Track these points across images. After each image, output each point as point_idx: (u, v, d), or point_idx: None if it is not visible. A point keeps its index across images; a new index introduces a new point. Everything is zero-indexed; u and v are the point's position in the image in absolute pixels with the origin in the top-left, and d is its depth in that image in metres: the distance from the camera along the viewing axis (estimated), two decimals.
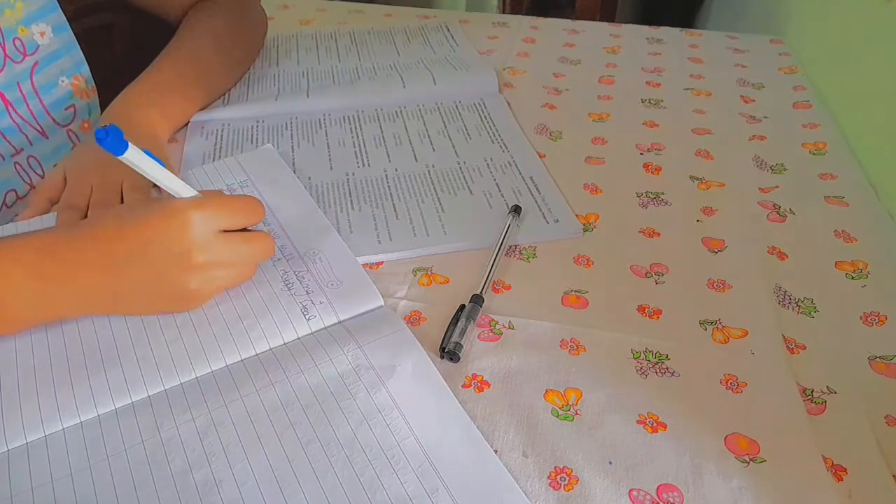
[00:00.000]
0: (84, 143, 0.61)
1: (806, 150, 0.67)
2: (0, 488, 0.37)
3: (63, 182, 0.56)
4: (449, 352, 0.44)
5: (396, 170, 0.63)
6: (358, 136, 0.68)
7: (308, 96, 0.74)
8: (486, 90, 0.76)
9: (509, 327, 0.47)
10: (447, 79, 0.76)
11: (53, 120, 0.62)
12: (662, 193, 0.60)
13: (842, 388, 0.43)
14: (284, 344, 0.45)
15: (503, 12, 1.80)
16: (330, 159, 0.65)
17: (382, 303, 0.48)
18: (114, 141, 0.39)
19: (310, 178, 0.62)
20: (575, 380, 0.44)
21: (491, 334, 0.47)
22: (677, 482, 0.38)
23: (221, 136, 0.68)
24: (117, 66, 0.71)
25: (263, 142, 0.67)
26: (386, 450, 0.39)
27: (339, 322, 0.47)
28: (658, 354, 0.45)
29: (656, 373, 0.44)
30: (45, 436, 0.40)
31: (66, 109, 0.63)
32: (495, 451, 0.39)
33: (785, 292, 0.50)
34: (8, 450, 0.39)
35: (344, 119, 0.71)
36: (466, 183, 0.61)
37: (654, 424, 0.41)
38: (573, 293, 0.50)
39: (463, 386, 0.43)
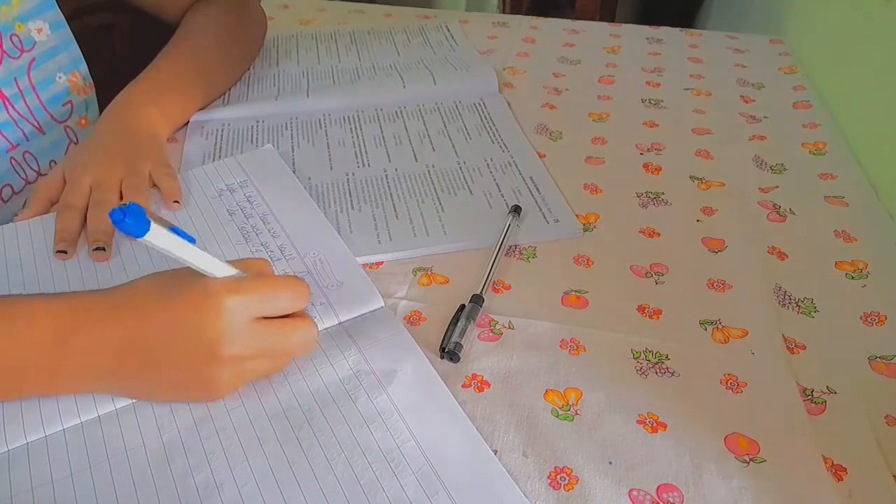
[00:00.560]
0: (82, 142, 0.61)
1: (806, 150, 0.67)
2: (0, 488, 0.37)
3: (62, 182, 0.56)
4: (449, 352, 0.44)
5: (396, 170, 0.63)
6: (358, 136, 0.68)
7: (308, 96, 0.74)
8: (486, 90, 0.76)
9: (509, 327, 0.47)
10: (447, 79, 0.76)
11: (51, 116, 0.62)
12: (662, 193, 0.60)
13: (842, 388, 0.43)
14: None
15: (503, 12, 1.80)
16: (330, 159, 0.65)
17: (383, 304, 0.48)
18: (134, 221, 0.33)
19: (310, 178, 0.62)
20: (575, 380, 0.44)
21: (491, 334, 0.47)
22: (677, 482, 0.38)
23: (221, 136, 0.68)
24: (117, 65, 0.71)
25: (263, 142, 0.67)
26: (386, 453, 0.39)
27: (339, 323, 0.47)
28: (658, 354, 0.45)
29: (656, 373, 0.44)
30: (46, 436, 0.40)
31: (63, 106, 0.64)
32: (495, 452, 0.39)
33: (785, 292, 0.50)
34: (8, 450, 0.39)
35: (344, 119, 0.71)
36: (466, 183, 0.61)
37: (654, 424, 0.41)
38: (573, 293, 0.50)
39: (463, 386, 0.43)
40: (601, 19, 1.58)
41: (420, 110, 0.73)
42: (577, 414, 0.42)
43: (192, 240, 0.37)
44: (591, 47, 0.87)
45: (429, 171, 0.63)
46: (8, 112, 0.58)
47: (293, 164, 0.64)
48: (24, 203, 0.57)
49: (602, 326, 0.47)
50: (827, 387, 0.43)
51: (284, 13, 0.99)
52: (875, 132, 0.65)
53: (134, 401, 0.42)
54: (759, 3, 1.11)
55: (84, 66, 0.65)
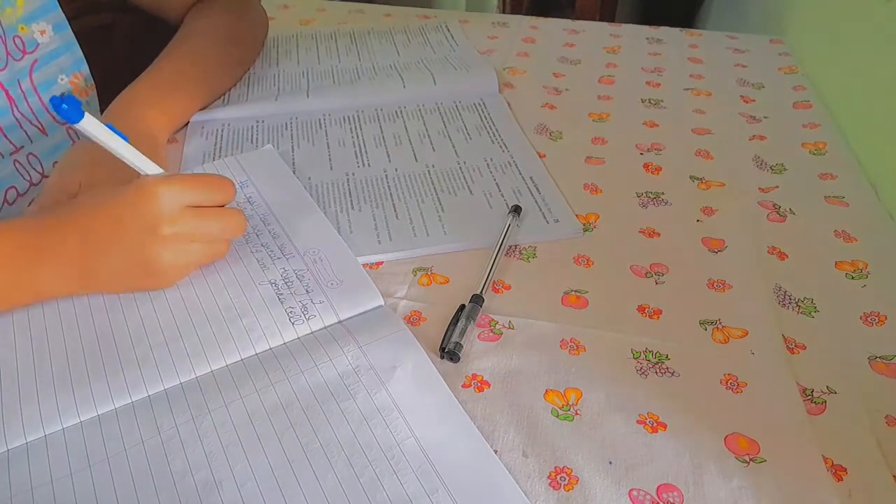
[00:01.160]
0: (76, 143, 0.60)
1: (806, 150, 0.67)
2: (0, 488, 0.37)
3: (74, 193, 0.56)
4: (449, 352, 0.44)
5: (396, 170, 0.63)
6: (358, 136, 0.68)
7: (308, 96, 0.74)
8: (486, 90, 0.76)
9: (509, 327, 0.47)
10: (447, 79, 0.76)
11: (53, 117, 0.62)
12: (662, 193, 0.60)
13: (842, 388, 0.43)
14: (284, 344, 0.45)
15: (503, 12, 1.80)
16: (330, 159, 0.65)
17: (382, 302, 0.48)
18: (70, 110, 0.39)
19: (310, 178, 0.62)
20: (575, 380, 0.44)
21: (491, 334, 0.47)
22: (677, 482, 0.38)
23: (221, 136, 0.68)
24: (117, 65, 0.71)
25: (263, 142, 0.67)
26: (386, 450, 0.39)
27: (339, 321, 0.47)
28: (658, 354, 0.45)
29: (656, 373, 0.44)
30: (45, 436, 0.40)
31: None
32: (495, 451, 0.39)
33: (785, 292, 0.50)
34: (8, 449, 0.39)
35: (344, 119, 0.71)
36: (466, 183, 0.61)
37: (654, 424, 0.41)
38: (573, 293, 0.50)
39: (463, 386, 0.43)
40: (601, 19, 1.58)
41: (420, 110, 0.73)
42: (577, 414, 0.42)
43: (124, 138, 0.44)
44: (591, 47, 0.87)
45: (429, 171, 0.63)
46: (13, 114, 0.58)
47: (293, 164, 0.64)
48: (30, 204, 0.57)
49: (602, 326, 0.47)
50: (827, 387, 0.43)
51: (284, 13, 0.99)
52: (875, 132, 0.65)
53: (133, 400, 0.42)
54: (759, 3, 1.11)
55: (86, 68, 0.65)
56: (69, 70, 0.63)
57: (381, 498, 0.36)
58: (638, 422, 0.41)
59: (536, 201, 0.59)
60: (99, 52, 0.67)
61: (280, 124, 0.70)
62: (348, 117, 0.71)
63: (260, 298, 0.48)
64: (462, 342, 0.45)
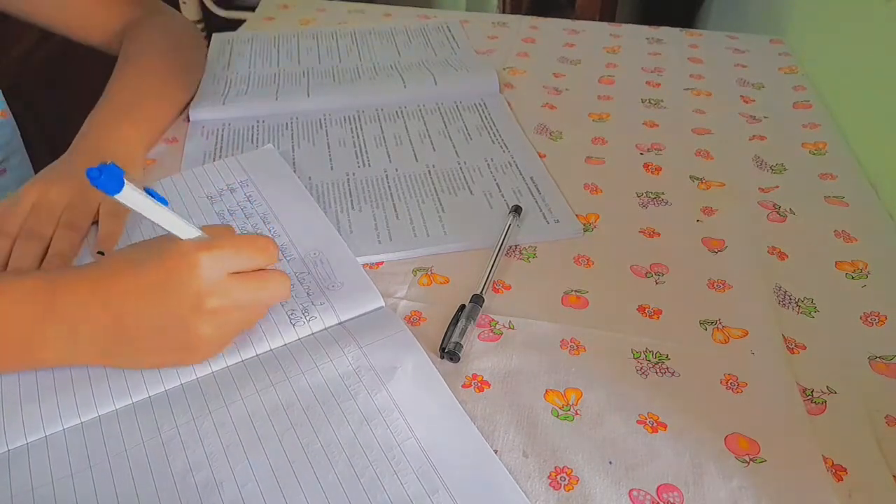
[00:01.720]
0: (55, 164, 0.57)
1: (806, 150, 0.67)
2: (0, 488, 0.37)
3: (26, 211, 0.52)
4: (449, 352, 0.44)
5: (397, 170, 0.63)
6: (358, 136, 0.68)
7: (309, 96, 0.74)
8: (486, 90, 0.76)
9: (509, 327, 0.47)
10: (448, 79, 0.76)
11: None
12: (662, 193, 0.60)
13: (842, 388, 0.43)
14: (285, 345, 0.45)
15: (503, 12, 1.80)
16: (330, 159, 0.65)
17: (383, 304, 0.48)
18: (109, 179, 0.35)
19: (310, 178, 0.62)
20: (575, 380, 0.44)
21: (491, 334, 0.47)
22: (677, 482, 0.38)
23: (221, 136, 0.68)
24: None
25: (264, 142, 0.67)
26: (386, 451, 0.39)
27: (340, 323, 0.47)
28: (658, 354, 0.45)
29: (656, 373, 0.44)
30: (46, 436, 0.40)
31: None
32: (495, 451, 0.39)
33: (785, 292, 0.50)
34: (8, 450, 0.39)
35: (344, 119, 0.71)
36: (467, 183, 0.61)
37: (654, 424, 0.41)
38: (573, 293, 0.50)
39: (463, 386, 0.43)
40: (601, 19, 1.58)
41: (420, 110, 0.73)
42: (577, 414, 0.42)
43: (164, 201, 0.39)
44: (591, 47, 0.87)
45: (429, 171, 0.63)
46: None
47: (293, 163, 0.64)
48: None
49: (602, 326, 0.47)
50: (827, 387, 0.43)
51: (284, 13, 0.99)
52: (875, 132, 0.65)
53: (133, 400, 0.42)
54: (759, 3, 1.11)
55: None
56: None
57: (381, 498, 0.36)
58: (638, 422, 0.41)
59: (536, 201, 0.59)
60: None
61: (280, 124, 0.70)
62: (349, 117, 0.71)
63: None
64: (462, 342, 0.45)
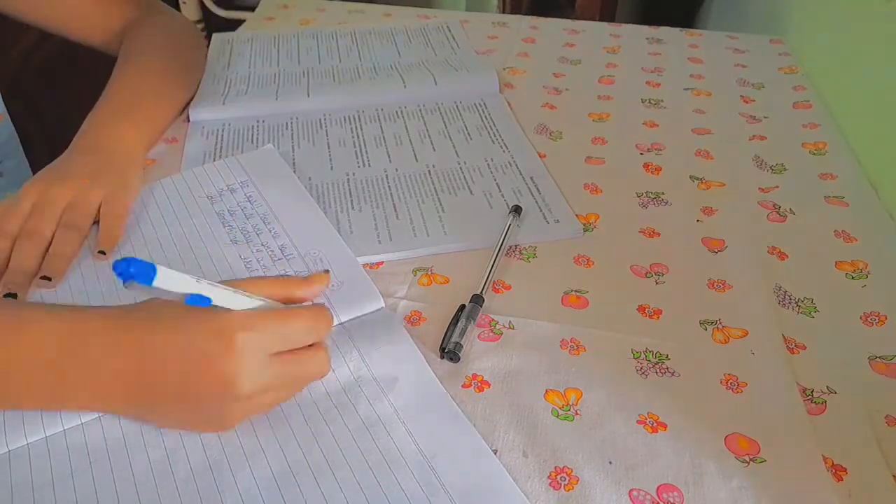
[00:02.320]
0: (54, 163, 0.57)
1: (806, 150, 0.67)
2: (0, 489, 0.37)
3: (26, 211, 0.52)
4: (449, 352, 0.44)
5: (397, 170, 0.63)
6: (358, 136, 0.68)
7: (309, 96, 0.74)
8: (486, 90, 0.76)
9: (509, 327, 0.47)
10: (448, 79, 0.76)
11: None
12: (662, 193, 0.60)
13: (842, 388, 0.43)
14: None
15: (503, 12, 1.80)
16: (330, 159, 0.65)
17: (383, 304, 0.48)
18: (140, 273, 0.33)
19: (310, 178, 0.62)
20: (575, 380, 0.44)
21: (491, 334, 0.47)
22: (677, 482, 0.38)
23: (221, 136, 0.68)
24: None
25: (264, 142, 0.67)
26: (386, 455, 0.39)
27: (340, 324, 0.47)
28: (658, 354, 0.45)
29: (656, 373, 0.44)
30: (46, 437, 0.40)
31: None
32: (495, 452, 0.39)
33: (785, 292, 0.50)
34: (9, 450, 0.39)
35: (344, 119, 0.71)
36: (467, 183, 0.61)
37: (654, 424, 0.41)
38: (573, 293, 0.50)
39: (463, 386, 0.43)
40: (601, 19, 1.58)
41: (420, 110, 0.73)
42: (577, 414, 0.42)
43: (208, 302, 0.36)
44: (591, 47, 0.87)
45: (429, 171, 0.63)
46: None
47: (293, 163, 0.64)
48: None
49: (602, 326, 0.47)
50: (827, 387, 0.43)
51: (284, 13, 0.99)
52: (875, 132, 0.65)
53: None
54: (759, 3, 1.11)
55: None
56: None
57: (382, 501, 0.36)
58: (638, 422, 0.41)
59: (536, 201, 0.59)
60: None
61: (280, 124, 0.70)
62: (349, 117, 0.71)
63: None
64: (462, 342, 0.45)
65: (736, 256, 0.53)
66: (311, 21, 0.96)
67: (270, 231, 0.54)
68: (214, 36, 0.88)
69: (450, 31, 0.90)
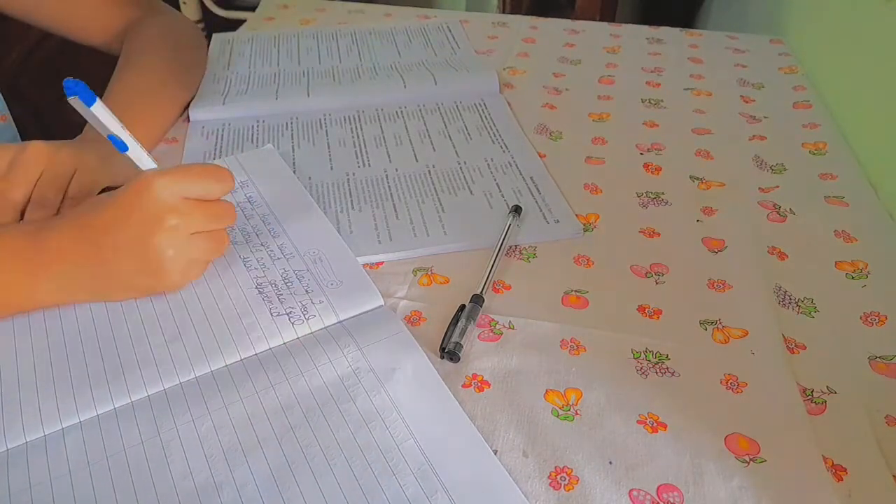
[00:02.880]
0: (38, 141, 0.55)
1: (806, 150, 0.67)
2: None
3: (34, 178, 0.52)
4: (449, 352, 0.44)
5: (397, 170, 0.63)
6: (358, 136, 0.68)
7: (309, 96, 0.74)
8: (486, 90, 0.76)
9: (509, 327, 0.47)
10: (448, 79, 0.76)
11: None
12: (662, 193, 0.60)
13: (842, 388, 0.43)
14: (284, 344, 0.45)
15: (503, 12, 1.80)
16: (330, 159, 0.65)
17: (382, 303, 0.48)
18: (84, 91, 0.42)
19: (310, 178, 0.62)
20: (575, 380, 0.44)
21: (491, 334, 0.47)
22: (677, 482, 0.38)
23: (221, 136, 0.68)
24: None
25: (263, 142, 0.67)
26: (385, 452, 0.39)
27: (339, 322, 0.47)
28: (658, 354, 0.45)
29: (656, 373, 0.44)
30: (45, 435, 0.40)
31: None
32: (495, 452, 0.39)
33: (785, 292, 0.50)
34: (7, 449, 0.39)
35: (344, 119, 0.71)
36: (467, 183, 0.61)
37: (655, 424, 0.41)
38: (573, 293, 0.50)
39: (463, 386, 0.43)
40: (601, 19, 1.58)
41: (421, 110, 0.73)
42: (577, 414, 0.42)
43: (124, 147, 0.46)
44: (591, 47, 0.87)
45: (429, 171, 0.63)
46: None
47: (293, 163, 0.64)
48: None
49: (602, 326, 0.47)
50: (827, 387, 0.43)
51: (284, 13, 0.99)
52: (875, 132, 0.65)
53: (132, 399, 0.42)
54: (759, 3, 1.11)
55: None
56: None
57: (380, 500, 0.36)
58: (638, 422, 0.41)
59: (536, 201, 0.59)
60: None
61: (280, 124, 0.70)
62: (349, 117, 0.71)
63: (260, 299, 0.48)
64: (462, 342, 0.45)
65: (736, 256, 0.53)
66: (311, 21, 0.96)
67: (270, 231, 0.54)
68: (214, 36, 0.88)
69: (450, 31, 0.90)
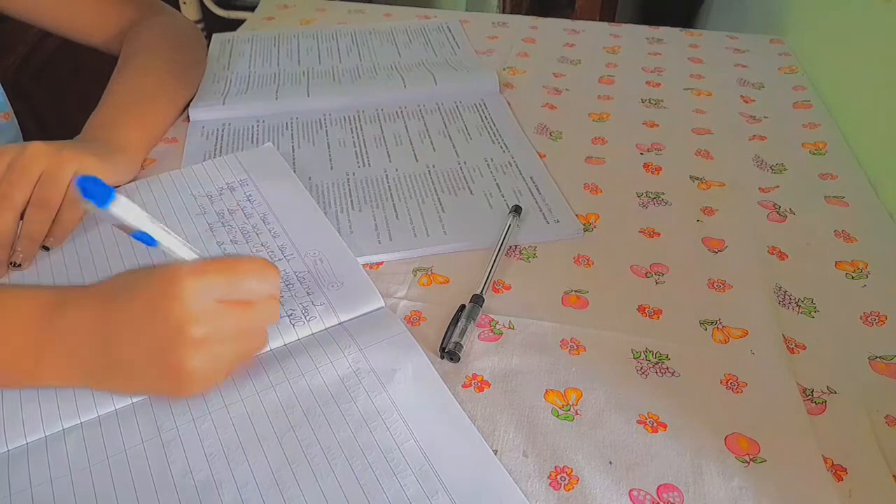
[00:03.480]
0: (39, 142, 0.54)
1: (806, 150, 0.67)
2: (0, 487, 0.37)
3: (34, 178, 0.52)
4: (449, 352, 0.44)
5: (397, 170, 0.63)
6: (358, 136, 0.68)
7: (309, 96, 0.74)
8: (486, 90, 0.76)
9: (509, 327, 0.47)
10: (448, 79, 0.76)
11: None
12: (662, 193, 0.60)
13: (842, 388, 0.43)
14: (285, 345, 0.45)
15: (503, 12, 1.80)
16: (330, 159, 0.65)
17: (383, 304, 0.48)
18: (97, 191, 0.35)
19: (310, 178, 0.62)
20: (575, 380, 0.44)
21: (491, 334, 0.47)
22: (677, 482, 0.38)
23: (221, 135, 0.68)
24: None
25: (263, 142, 0.67)
26: (386, 452, 0.39)
27: (340, 323, 0.47)
28: (658, 354, 0.45)
29: (656, 373, 0.44)
30: (46, 436, 0.40)
31: None
32: (495, 452, 0.39)
33: (785, 292, 0.50)
34: (8, 450, 0.39)
35: (344, 119, 0.71)
36: (467, 183, 0.61)
37: (655, 424, 0.41)
38: (573, 293, 0.50)
39: (463, 386, 0.43)
40: (601, 19, 1.58)
41: (420, 110, 0.73)
42: (577, 414, 0.42)
43: (152, 241, 0.39)
44: (591, 47, 0.87)
45: (429, 171, 0.63)
46: None
47: (293, 163, 0.64)
48: None
49: (602, 326, 0.47)
50: (827, 387, 0.43)
51: (284, 13, 0.99)
52: (875, 132, 0.65)
53: (133, 401, 0.42)
54: (759, 3, 1.11)
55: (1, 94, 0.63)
56: None
57: (380, 500, 0.36)
58: (638, 422, 0.41)
59: (536, 201, 0.59)
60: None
61: (280, 124, 0.70)
62: (349, 117, 0.71)
63: None
64: (462, 342, 0.45)
65: (736, 256, 0.53)
66: (311, 21, 0.96)
67: (270, 231, 0.54)
68: (214, 36, 0.88)
69: (450, 31, 0.90)
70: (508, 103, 0.74)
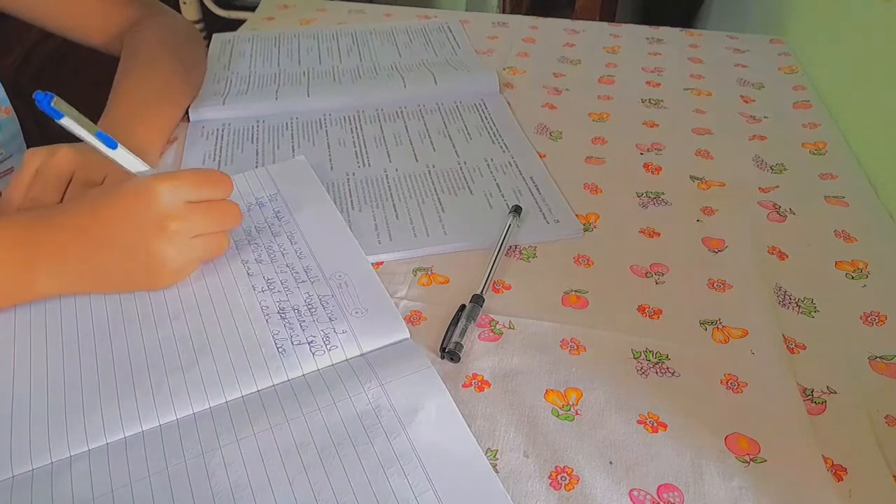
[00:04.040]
0: (67, 144, 0.55)
1: (806, 150, 0.67)
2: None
3: (27, 180, 0.53)
4: (449, 352, 0.44)
5: (397, 170, 0.63)
6: (358, 136, 0.68)
7: (309, 96, 0.74)
8: (486, 90, 0.76)
9: (510, 327, 0.47)
10: (448, 79, 0.76)
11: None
12: (662, 193, 0.60)
13: (842, 388, 0.43)
14: (303, 376, 0.43)
15: (503, 12, 1.80)
16: (330, 159, 0.65)
17: (408, 335, 0.46)
18: (49, 105, 0.42)
19: None
20: (575, 380, 0.44)
21: (491, 334, 0.47)
22: (677, 482, 0.38)
23: (221, 135, 0.68)
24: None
25: (263, 142, 0.67)
26: (402, 503, 0.36)
27: (362, 354, 0.45)
28: (658, 354, 0.45)
29: (656, 373, 0.44)
30: (52, 462, 0.39)
31: None
32: (495, 452, 0.39)
33: (785, 292, 0.50)
34: (13, 476, 0.38)
35: (344, 119, 0.71)
36: (467, 183, 0.61)
37: (655, 424, 0.41)
38: (573, 293, 0.50)
39: (463, 386, 0.43)
40: (601, 19, 1.58)
41: (420, 110, 0.73)
42: (577, 414, 0.42)
43: (114, 145, 0.46)
44: (591, 47, 0.87)
45: (429, 171, 0.63)
46: None
47: None
48: None
49: (602, 326, 0.47)
50: (827, 387, 0.43)
51: (284, 13, 0.99)
52: (875, 132, 0.65)
53: (144, 429, 0.40)
54: (759, 3, 1.11)
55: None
56: None
57: None
58: (638, 422, 0.41)
59: (537, 201, 0.59)
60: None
61: (280, 124, 0.70)
62: (349, 117, 0.71)
63: (282, 325, 0.46)
64: (462, 342, 0.45)
65: (736, 256, 0.53)
66: (311, 21, 0.96)
67: (297, 252, 0.52)
68: (214, 36, 0.88)
69: (450, 31, 0.90)
70: (508, 103, 0.74)
